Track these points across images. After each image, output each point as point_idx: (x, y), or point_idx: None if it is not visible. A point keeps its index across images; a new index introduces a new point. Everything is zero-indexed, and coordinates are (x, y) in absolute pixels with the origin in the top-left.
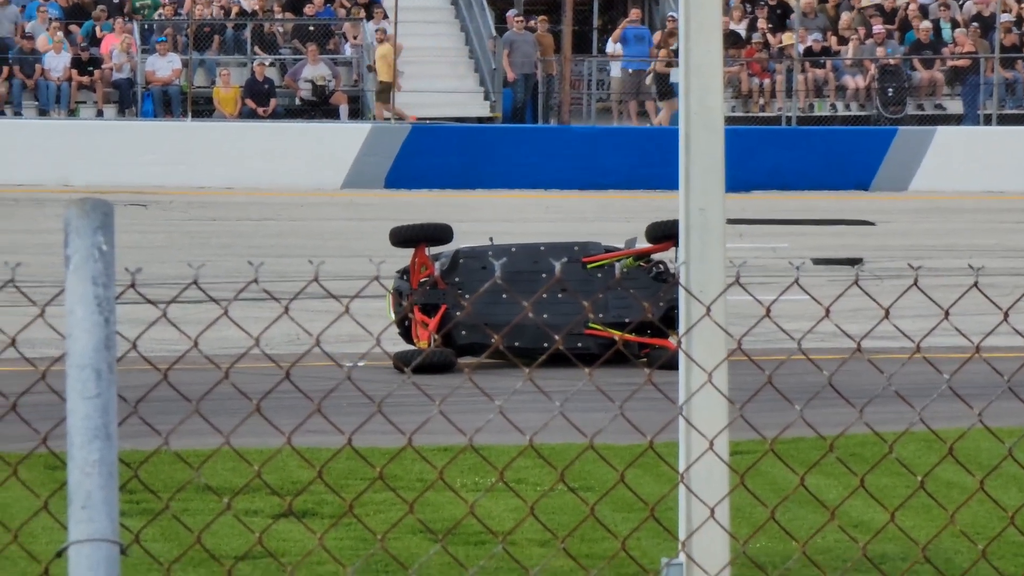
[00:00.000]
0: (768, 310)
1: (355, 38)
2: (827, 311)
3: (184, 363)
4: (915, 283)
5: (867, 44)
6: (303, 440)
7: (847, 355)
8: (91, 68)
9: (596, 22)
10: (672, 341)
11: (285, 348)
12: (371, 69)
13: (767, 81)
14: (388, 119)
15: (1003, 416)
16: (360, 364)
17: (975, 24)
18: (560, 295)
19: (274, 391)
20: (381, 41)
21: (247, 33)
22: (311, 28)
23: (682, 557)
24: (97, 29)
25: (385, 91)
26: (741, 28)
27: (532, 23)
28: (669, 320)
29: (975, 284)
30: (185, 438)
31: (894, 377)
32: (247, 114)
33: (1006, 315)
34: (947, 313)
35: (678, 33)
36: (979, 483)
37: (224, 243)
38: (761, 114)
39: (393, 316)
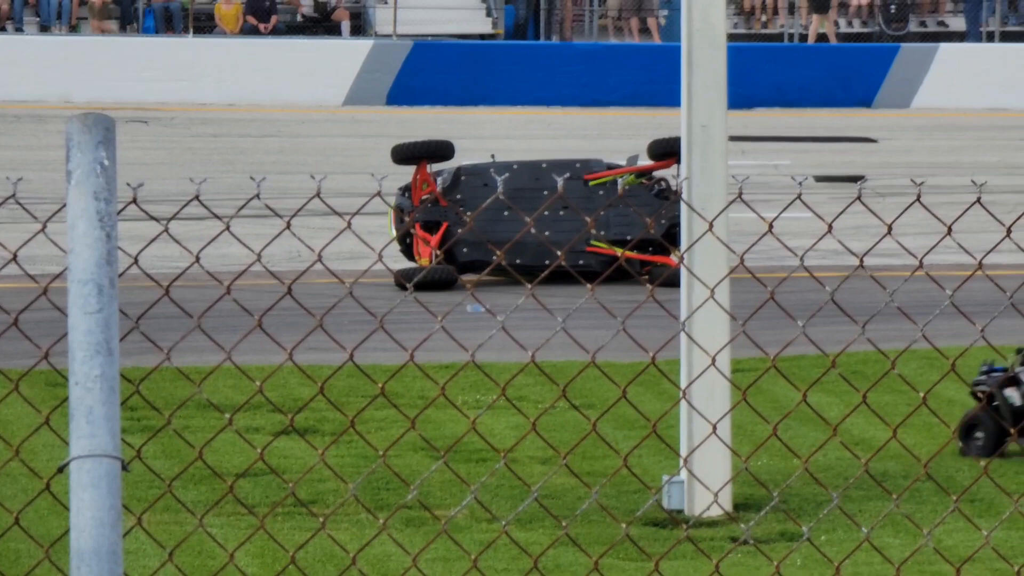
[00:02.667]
0: (771, 226)
1: None
2: (829, 227)
3: (186, 279)
4: (918, 199)
5: None
6: (304, 357)
7: (849, 272)
8: None
9: None
10: (674, 258)
11: (287, 265)
12: None
13: None
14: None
15: (1005, 333)
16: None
17: None
18: (562, 212)
19: (275, 307)
20: None
21: None
22: None
23: (683, 474)
24: None
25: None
26: None
27: None
28: (671, 237)
29: (978, 200)
30: (187, 354)
31: (896, 294)
32: (249, 31)
33: (1008, 232)
34: (950, 230)
35: None
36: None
37: (226, 159)
38: (764, 31)
39: (394, 233)
